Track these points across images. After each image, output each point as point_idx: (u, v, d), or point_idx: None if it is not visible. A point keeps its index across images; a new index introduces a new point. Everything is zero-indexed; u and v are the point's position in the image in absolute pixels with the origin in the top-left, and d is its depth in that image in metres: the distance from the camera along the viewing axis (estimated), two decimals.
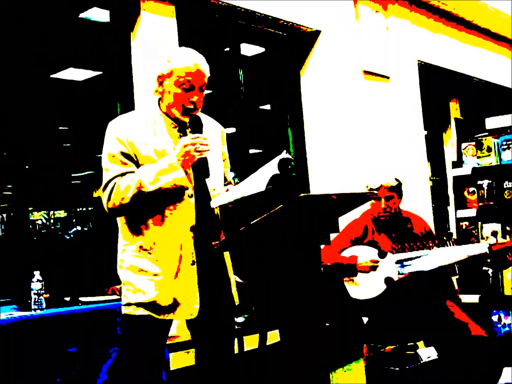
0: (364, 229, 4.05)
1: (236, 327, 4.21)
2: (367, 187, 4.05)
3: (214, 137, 2.71)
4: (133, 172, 2.44)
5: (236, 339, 4.20)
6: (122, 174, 2.44)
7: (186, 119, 2.59)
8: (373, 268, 3.83)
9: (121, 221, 2.57)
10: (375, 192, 3.90)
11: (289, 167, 2.70)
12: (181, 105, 2.55)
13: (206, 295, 2.57)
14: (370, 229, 4.05)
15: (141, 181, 2.39)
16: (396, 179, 4.03)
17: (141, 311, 2.46)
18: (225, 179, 2.83)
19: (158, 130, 2.55)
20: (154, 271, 2.47)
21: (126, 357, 2.56)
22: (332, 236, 3.89)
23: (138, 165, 2.47)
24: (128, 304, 2.51)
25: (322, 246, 3.85)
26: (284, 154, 2.48)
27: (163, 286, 2.47)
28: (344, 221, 3.70)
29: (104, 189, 2.44)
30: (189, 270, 2.51)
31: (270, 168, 2.44)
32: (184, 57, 2.56)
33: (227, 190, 2.60)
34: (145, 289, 2.47)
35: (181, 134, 2.58)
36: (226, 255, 2.71)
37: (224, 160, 2.81)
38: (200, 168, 2.52)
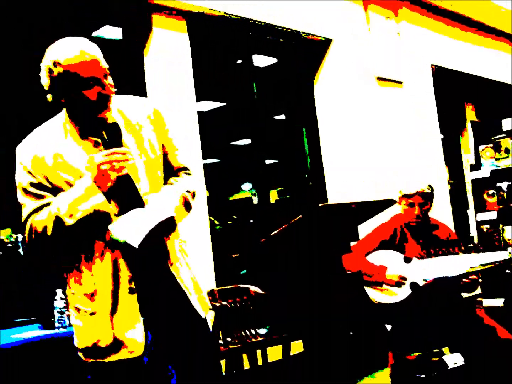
0: (392, 233, 4.04)
1: (259, 338, 4.20)
2: (400, 192, 4.03)
3: (140, 128, 2.24)
4: (49, 204, 2.06)
5: (259, 351, 4.19)
6: (37, 209, 2.06)
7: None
8: (398, 284, 3.82)
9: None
10: (395, 200, 3.88)
11: None
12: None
13: (154, 324, 2.16)
14: (398, 233, 4.04)
15: (57, 214, 2.01)
16: (430, 186, 4.02)
17: (82, 357, 2.18)
18: (172, 167, 2.33)
19: (69, 145, 2.12)
20: (92, 310, 2.12)
21: None
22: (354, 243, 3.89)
23: (55, 190, 2.08)
24: (75, 348, 2.21)
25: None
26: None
27: (99, 324, 2.11)
28: (371, 224, 3.68)
29: (23, 229, 2.08)
30: (128, 299, 2.11)
31: (148, 223, 2.03)
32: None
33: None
34: (83, 330, 2.15)
35: (96, 144, 2.14)
36: (177, 258, 2.23)
37: (164, 147, 2.29)
38: (123, 187, 2.09)
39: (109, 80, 2.18)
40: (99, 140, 2.13)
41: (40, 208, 2.06)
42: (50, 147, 2.11)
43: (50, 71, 2.07)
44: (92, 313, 2.12)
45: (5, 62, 4.10)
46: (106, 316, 2.10)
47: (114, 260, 2.10)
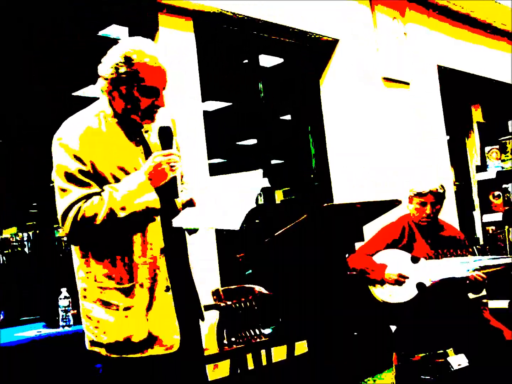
0: (400, 233, 4.03)
1: (263, 338, 4.20)
2: (412, 191, 4.01)
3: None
4: (97, 193, 2.08)
5: (264, 351, 4.19)
6: (86, 197, 2.07)
7: (148, 127, 2.24)
8: (398, 283, 3.81)
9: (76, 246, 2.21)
10: (400, 200, 3.87)
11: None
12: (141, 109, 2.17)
13: (186, 323, 2.23)
14: (407, 233, 4.03)
15: (111, 207, 2.05)
16: (442, 186, 4.02)
17: (109, 353, 2.14)
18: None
19: (112, 139, 2.16)
20: (127, 304, 2.13)
21: None
22: (359, 244, 3.88)
23: (101, 181, 2.11)
24: (94, 343, 2.17)
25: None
26: (261, 182, 2.15)
27: (135, 320, 2.13)
28: (377, 225, 3.67)
29: (65, 214, 2.06)
30: (164, 297, 2.17)
31: (249, 198, 2.12)
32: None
33: (189, 201, 2.23)
34: (113, 325, 2.13)
35: (138, 143, 2.21)
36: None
37: None
38: (169, 187, 2.15)
39: (164, 94, 2.20)
40: (138, 139, 2.21)
41: (89, 196, 2.07)
42: (98, 137, 2.13)
43: (119, 64, 2.11)
44: (127, 308, 2.13)
45: (7, 61, 4.11)
46: (142, 311, 2.13)
47: (152, 256, 2.15)
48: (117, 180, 2.11)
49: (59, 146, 2.11)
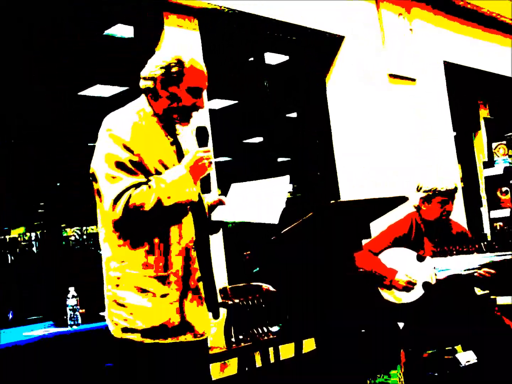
0: (408, 230, 4.02)
1: (271, 336, 4.20)
2: (426, 188, 3.99)
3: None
4: (145, 183, 2.22)
5: (271, 349, 4.19)
6: (135, 185, 2.19)
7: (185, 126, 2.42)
8: (407, 289, 3.81)
9: (113, 235, 2.29)
10: (408, 197, 3.86)
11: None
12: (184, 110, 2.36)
13: (214, 311, 2.45)
14: (414, 231, 4.03)
15: (159, 196, 2.19)
16: (455, 184, 4.01)
17: (147, 339, 2.23)
18: None
19: (153, 135, 2.32)
20: (164, 291, 2.25)
21: None
22: (366, 241, 3.88)
23: (145, 172, 2.25)
24: (133, 330, 2.24)
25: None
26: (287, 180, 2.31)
27: (171, 307, 2.26)
28: (384, 222, 3.67)
29: (117, 199, 2.17)
30: (196, 286, 2.33)
31: (281, 198, 2.28)
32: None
33: (221, 201, 2.46)
34: (150, 311, 2.24)
35: (172, 143, 2.38)
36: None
37: None
38: (205, 182, 2.35)
39: (204, 96, 2.42)
40: (173, 139, 2.38)
41: (138, 185, 2.20)
42: (143, 132, 2.28)
43: (172, 64, 2.32)
44: (163, 295, 2.25)
45: (11, 61, 4.11)
46: (177, 299, 2.26)
47: (186, 248, 2.30)
48: (158, 173, 2.26)
49: (109, 136, 2.24)
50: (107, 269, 2.31)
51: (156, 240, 2.25)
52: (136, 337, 2.23)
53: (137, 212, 2.17)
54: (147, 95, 2.37)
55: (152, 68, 2.34)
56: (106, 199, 2.19)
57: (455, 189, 3.98)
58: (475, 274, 3.65)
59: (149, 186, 2.20)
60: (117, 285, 2.27)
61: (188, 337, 2.29)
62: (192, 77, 2.33)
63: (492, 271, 3.65)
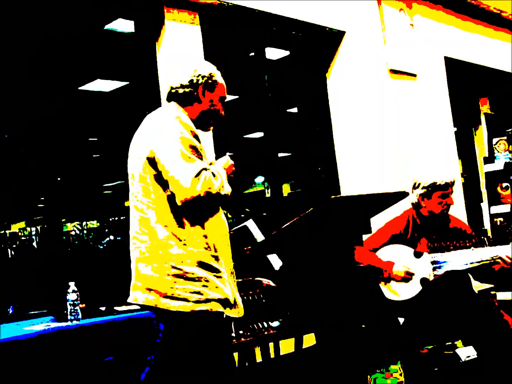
0: (405, 227, 4.02)
1: (269, 332, 4.20)
2: (425, 184, 3.98)
3: None
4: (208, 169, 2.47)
5: (272, 344, 4.19)
6: (205, 169, 2.42)
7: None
8: (405, 279, 3.81)
9: (170, 216, 2.46)
10: (408, 192, 3.86)
11: None
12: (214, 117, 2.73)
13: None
14: (411, 227, 4.02)
15: (222, 184, 2.45)
16: (453, 178, 4.01)
17: (219, 308, 2.44)
18: None
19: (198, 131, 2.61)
20: (219, 269, 2.48)
21: (196, 359, 2.48)
22: (366, 236, 3.88)
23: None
24: (207, 301, 2.43)
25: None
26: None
27: (227, 283, 2.50)
28: (385, 217, 3.67)
29: (197, 176, 2.38)
30: (233, 270, 2.60)
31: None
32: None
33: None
34: (218, 284, 2.46)
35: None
36: None
37: None
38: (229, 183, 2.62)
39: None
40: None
41: (206, 169, 2.42)
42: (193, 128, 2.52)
43: (207, 76, 2.68)
44: (219, 272, 2.49)
45: (10, 57, 4.11)
46: (228, 277, 2.53)
47: (225, 234, 2.59)
48: None
49: (180, 122, 2.47)
50: (165, 247, 2.44)
51: (212, 223, 2.50)
52: (211, 307, 2.42)
53: (208, 192, 2.38)
54: (182, 101, 2.64)
55: (193, 76, 2.66)
56: (185, 176, 2.37)
57: (454, 182, 3.99)
58: (496, 260, 3.64)
59: (214, 174, 2.44)
60: (182, 262, 2.42)
61: (238, 312, 2.54)
62: (221, 87, 2.72)
63: (509, 259, 3.63)
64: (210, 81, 2.68)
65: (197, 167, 2.39)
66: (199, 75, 2.66)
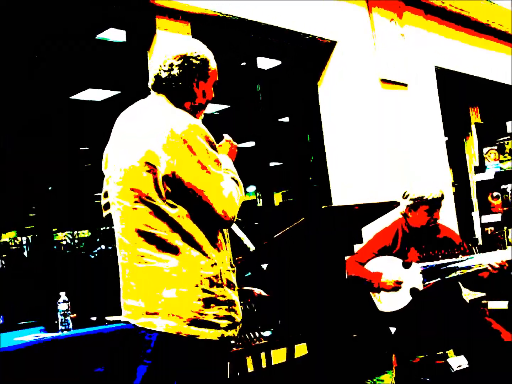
0: (393, 238, 4.02)
1: (261, 342, 4.19)
2: (413, 196, 3.98)
3: None
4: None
5: (263, 353, 4.18)
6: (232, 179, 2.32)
7: None
8: (395, 289, 3.81)
9: (201, 234, 2.18)
10: (399, 202, 3.88)
11: None
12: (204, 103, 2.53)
13: None
14: (400, 238, 4.03)
15: (241, 184, 2.34)
16: (441, 191, 4.02)
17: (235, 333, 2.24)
18: None
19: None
20: (235, 284, 2.28)
21: None
22: (358, 246, 3.88)
23: None
24: (235, 325, 2.22)
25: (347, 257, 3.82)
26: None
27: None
28: (376, 227, 3.67)
29: (230, 190, 2.20)
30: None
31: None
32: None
33: None
34: (238, 304, 2.24)
35: None
36: None
37: None
38: None
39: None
40: None
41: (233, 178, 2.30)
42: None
43: (201, 60, 2.52)
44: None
45: (8, 61, 4.10)
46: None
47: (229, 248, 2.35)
48: None
49: (197, 129, 2.33)
50: (196, 269, 2.14)
51: (227, 238, 2.31)
52: (233, 333, 2.22)
53: (233, 196, 2.22)
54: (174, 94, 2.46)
55: (177, 71, 2.50)
56: (221, 189, 2.18)
57: (442, 197, 3.99)
58: (487, 267, 3.64)
59: (236, 182, 2.30)
60: (215, 284, 2.17)
61: (235, 333, 2.27)
62: (214, 73, 2.55)
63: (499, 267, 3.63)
64: (201, 67, 2.53)
65: (230, 182, 2.25)
66: (192, 61, 2.56)
